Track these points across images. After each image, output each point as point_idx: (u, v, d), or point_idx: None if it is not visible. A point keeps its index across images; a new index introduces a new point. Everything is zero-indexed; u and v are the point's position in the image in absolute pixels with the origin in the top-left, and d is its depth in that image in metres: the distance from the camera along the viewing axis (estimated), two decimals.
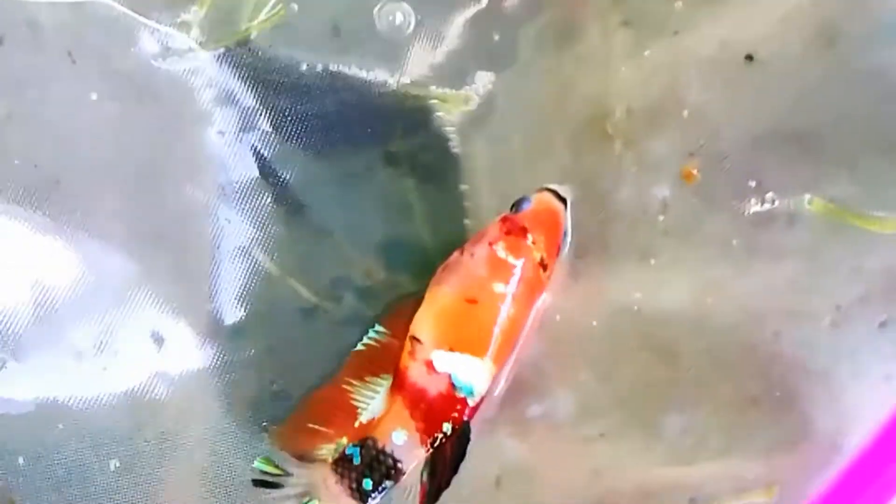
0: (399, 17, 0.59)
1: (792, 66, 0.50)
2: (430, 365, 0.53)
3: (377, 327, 0.57)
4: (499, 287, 0.53)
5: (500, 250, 0.54)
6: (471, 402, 0.54)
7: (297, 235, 0.60)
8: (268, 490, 0.54)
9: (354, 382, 0.55)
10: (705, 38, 0.52)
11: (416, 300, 0.55)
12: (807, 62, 0.49)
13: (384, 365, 0.55)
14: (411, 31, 0.59)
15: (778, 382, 0.45)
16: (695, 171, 0.54)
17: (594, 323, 0.56)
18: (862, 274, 0.44)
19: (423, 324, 0.54)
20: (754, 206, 0.51)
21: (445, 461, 0.53)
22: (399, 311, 0.56)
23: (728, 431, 0.47)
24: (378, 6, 0.59)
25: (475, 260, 0.54)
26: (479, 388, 0.54)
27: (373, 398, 0.54)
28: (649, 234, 0.55)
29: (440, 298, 0.54)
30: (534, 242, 0.54)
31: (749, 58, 0.51)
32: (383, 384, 0.55)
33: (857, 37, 0.47)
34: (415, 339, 0.54)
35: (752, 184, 0.51)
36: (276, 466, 0.54)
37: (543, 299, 0.56)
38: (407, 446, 0.53)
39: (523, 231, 0.54)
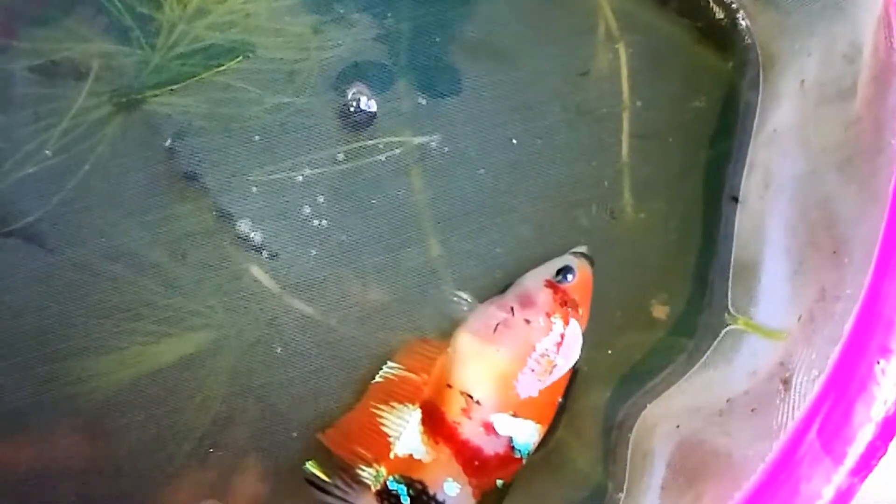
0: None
1: None
2: (489, 427, 0.54)
3: (391, 363, 0.58)
4: (559, 360, 0.55)
5: (559, 324, 0.56)
6: (524, 461, 0.55)
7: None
8: (317, 492, 0.55)
9: (382, 407, 0.56)
10: None
11: (427, 340, 0.58)
12: None
13: (406, 396, 0.56)
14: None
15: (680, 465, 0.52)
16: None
17: None
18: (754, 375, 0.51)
19: (479, 383, 0.55)
20: None
21: None
22: (414, 347, 0.58)
23: None
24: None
25: (534, 330, 0.55)
26: (533, 447, 0.55)
27: (402, 426, 0.55)
28: None
29: (499, 362, 0.55)
30: (583, 315, 0.57)
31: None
32: (410, 413, 0.55)
33: None
34: (469, 396, 0.54)
35: None
36: (326, 474, 0.55)
37: None
38: (460, 497, 0.54)
39: (575, 305, 0.56)
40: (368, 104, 0.62)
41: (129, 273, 0.60)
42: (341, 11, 0.63)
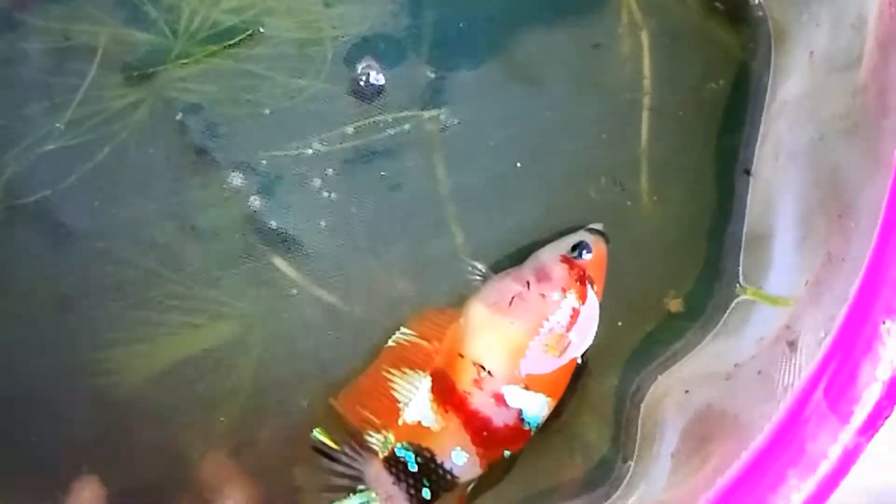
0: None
1: None
2: (499, 398, 0.55)
3: (403, 329, 0.59)
4: (573, 336, 0.56)
5: (574, 299, 0.56)
6: (532, 432, 0.56)
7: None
8: (324, 460, 0.55)
9: (393, 372, 0.57)
10: None
11: (441, 309, 0.59)
12: None
13: (417, 362, 0.57)
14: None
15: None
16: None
17: None
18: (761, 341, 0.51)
19: (492, 355, 0.55)
20: None
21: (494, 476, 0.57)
22: (427, 315, 0.59)
23: None
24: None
25: (549, 304, 0.56)
26: (542, 419, 0.56)
27: (412, 392, 0.56)
28: None
29: (513, 335, 0.55)
30: (597, 292, 0.57)
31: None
32: (420, 380, 0.56)
33: None
34: (481, 367, 0.55)
35: None
36: (334, 441, 0.56)
37: None
38: (467, 466, 0.55)
39: (590, 280, 0.57)
40: (377, 78, 0.62)
41: (141, 254, 0.61)
42: None
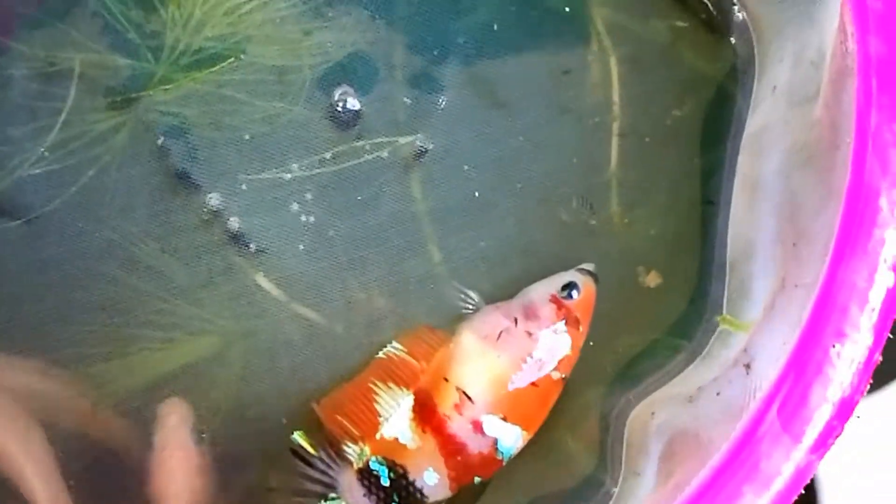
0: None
1: None
2: (477, 425, 0.56)
3: (395, 344, 0.60)
4: (555, 375, 0.58)
5: (563, 340, 0.58)
6: (504, 462, 0.57)
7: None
8: (300, 463, 0.57)
9: (379, 385, 0.58)
10: None
11: (433, 330, 0.60)
12: None
13: (403, 379, 0.58)
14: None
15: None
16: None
17: None
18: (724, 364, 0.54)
19: (475, 383, 0.57)
20: None
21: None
22: (419, 334, 0.60)
23: None
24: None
25: (535, 343, 0.58)
26: (515, 452, 0.58)
27: (393, 408, 0.57)
28: None
29: (498, 368, 0.57)
30: (582, 330, 0.59)
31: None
32: (403, 397, 0.57)
33: None
34: (463, 393, 0.56)
35: None
36: (312, 447, 0.57)
37: None
38: (437, 487, 0.56)
39: (577, 322, 0.58)
40: (354, 104, 0.63)
41: (124, 274, 0.62)
42: (331, 15, 0.65)
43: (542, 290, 0.60)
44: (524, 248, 0.64)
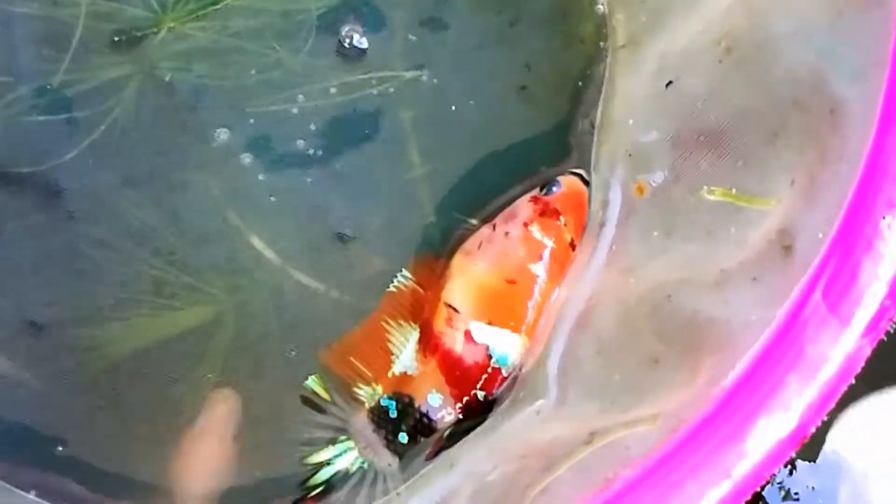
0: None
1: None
2: (468, 335, 0.56)
3: (404, 272, 0.59)
4: (535, 268, 0.57)
5: (536, 231, 0.57)
6: (504, 373, 0.56)
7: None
8: (311, 411, 0.57)
9: (391, 322, 0.58)
10: None
11: (438, 256, 0.60)
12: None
13: (413, 311, 0.58)
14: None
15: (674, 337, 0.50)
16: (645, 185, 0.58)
17: None
18: (745, 244, 0.48)
19: (460, 294, 0.57)
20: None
21: (469, 423, 0.56)
22: (425, 261, 0.60)
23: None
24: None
25: (511, 240, 0.57)
26: (513, 361, 0.56)
27: (404, 345, 0.57)
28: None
29: (477, 274, 0.57)
30: (565, 224, 0.57)
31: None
32: (412, 333, 0.57)
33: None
34: (451, 307, 0.56)
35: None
36: (326, 391, 0.57)
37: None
38: (441, 408, 0.56)
39: (556, 213, 0.58)
40: (360, 41, 0.63)
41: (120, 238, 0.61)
42: None
43: (524, 195, 0.59)
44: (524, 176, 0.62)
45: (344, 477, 0.56)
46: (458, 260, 0.58)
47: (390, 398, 0.56)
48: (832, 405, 0.41)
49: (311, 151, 0.62)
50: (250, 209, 0.62)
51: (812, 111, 0.47)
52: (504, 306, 0.56)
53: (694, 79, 0.56)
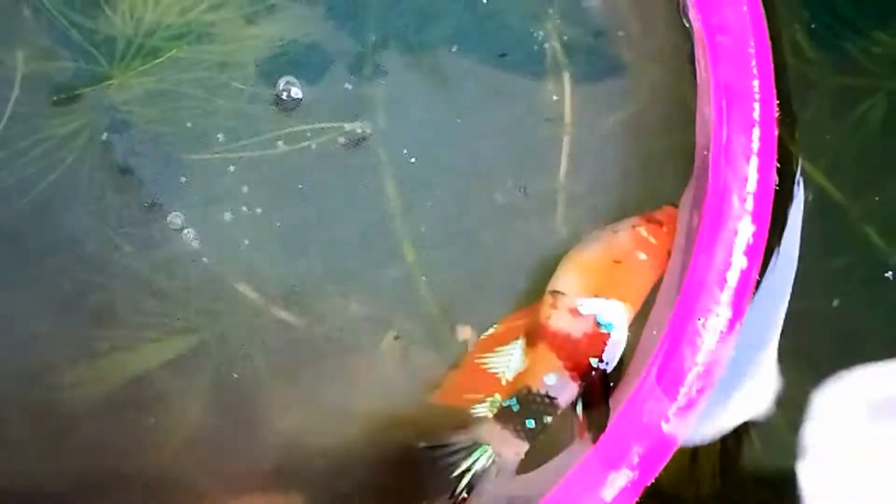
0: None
1: None
2: (574, 311, 0.59)
3: (495, 325, 0.63)
4: (640, 255, 0.61)
5: (643, 231, 0.61)
6: (612, 337, 0.59)
7: None
8: (437, 450, 0.59)
9: (486, 356, 0.61)
10: None
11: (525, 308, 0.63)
12: None
13: (509, 340, 0.61)
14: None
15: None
16: None
17: None
18: None
19: (566, 279, 0.61)
20: None
21: (597, 393, 0.59)
22: (515, 314, 0.63)
23: None
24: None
25: (619, 235, 0.61)
26: (620, 327, 0.60)
27: (509, 360, 0.60)
28: None
29: (585, 259, 0.61)
30: (667, 231, 0.62)
31: None
32: (516, 346, 0.60)
33: None
34: (556, 292, 0.60)
35: None
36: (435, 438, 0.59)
37: None
38: (559, 384, 0.58)
39: (660, 223, 0.62)
40: (296, 93, 0.65)
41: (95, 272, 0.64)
42: (275, 6, 0.67)
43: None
44: (463, 230, 0.66)
45: (483, 473, 0.58)
46: (565, 259, 0.62)
47: (510, 398, 0.59)
48: (667, 461, 0.55)
49: (244, 208, 0.64)
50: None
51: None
52: (610, 280, 0.60)
53: None
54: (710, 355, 0.55)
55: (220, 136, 0.66)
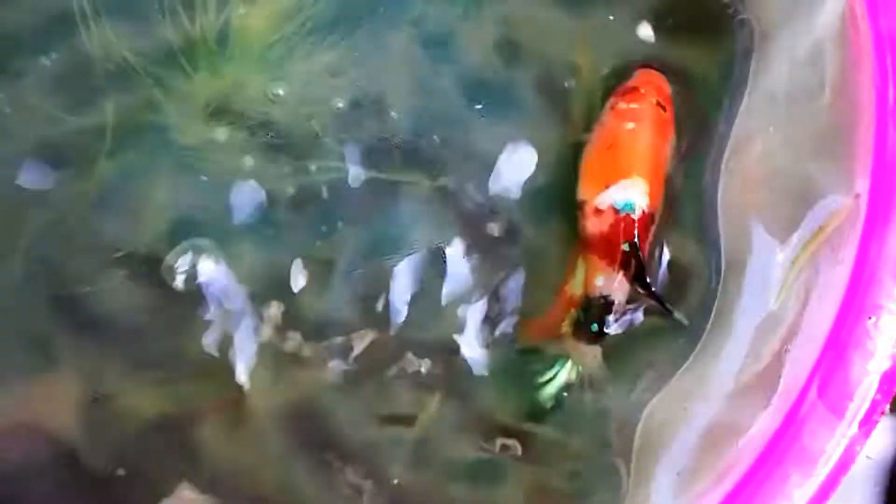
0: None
1: None
2: (596, 211, 0.59)
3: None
4: (628, 125, 0.60)
5: (620, 104, 0.61)
6: (635, 216, 0.58)
7: None
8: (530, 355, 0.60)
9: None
10: None
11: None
12: None
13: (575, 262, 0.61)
14: None
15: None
16: None
17: None
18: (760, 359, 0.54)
19: (581, 188, 0.60)
20: None
21: (639, 265, 0.58)
22: None
23: None
24: None
25: (603, 123, 0.61)
26: (638, 202, 0.59)
27: (575, 279, 0.60)
28: None
29: (585, 162, 0.61)
30: (645, 91, 0.61)
31: None
32: (577, 264, 0.60)
33: None
34: (580, 202, 0.60)
35: None
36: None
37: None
38: (607, 281, 0.59)
39: (636, 89, 0.61)
40: None
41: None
42: None
43: None
44: None
45: (568, 388, 0.59)
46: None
47: (576, 311, 0.60)
48: (832, 495, 0.45)
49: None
50: None
51: (806, 235, 0.51)
52: (611, 166, 0.60)
53: None
54: (885, 361, 0.45)
55: None
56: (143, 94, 0.61)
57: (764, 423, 0.47)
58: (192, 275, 0.60)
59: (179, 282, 0.59)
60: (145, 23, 0.62)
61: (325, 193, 0.61)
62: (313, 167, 0.61)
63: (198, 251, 0.60)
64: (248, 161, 0.61)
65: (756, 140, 0.59)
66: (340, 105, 0.62)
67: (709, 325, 0.59)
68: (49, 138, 0.61)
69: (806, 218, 0.52)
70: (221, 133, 0.61)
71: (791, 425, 0.46)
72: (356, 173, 0.62)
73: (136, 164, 0.61)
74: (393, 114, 0.63)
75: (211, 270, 0.60)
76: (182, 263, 0.60)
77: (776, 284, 0.53)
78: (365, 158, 0.62)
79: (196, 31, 0.62)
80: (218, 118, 0.61)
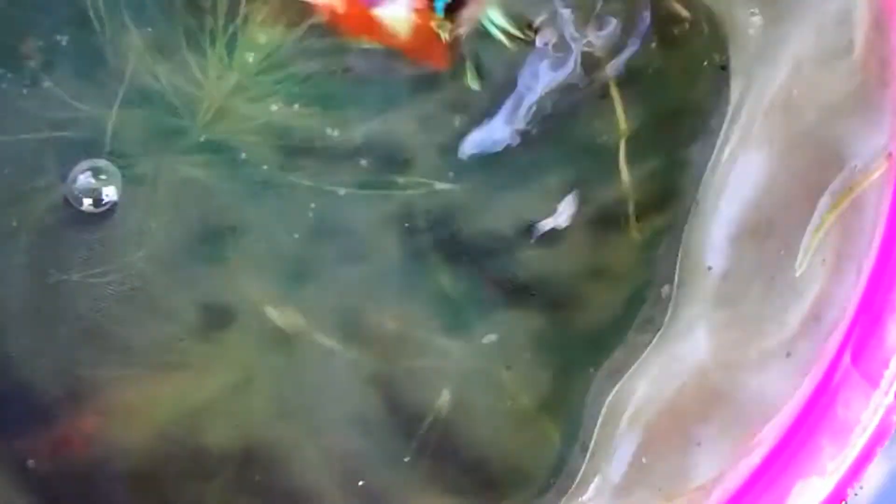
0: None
1: None
2: None
3: None
4: None
5: None
6: None
7: None
8: None
9: None
10: None
11: None
12: None
13: None
14: None
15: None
16: None
17: None
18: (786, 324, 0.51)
19: None
20: None
21: None
22: None
23: None
24: None
25: None
26: None
27: None
28: None
29: None
30: None
31: None
32: None
33: None
34: None
35: None
36: None
37: None
38: None
39: None
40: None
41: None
42: None
43: None
44: None
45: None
46: None
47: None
48: (867, 467, 0.43)
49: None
50: None
51: (834, 195, 0.49)
52: None
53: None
54: None
55: None
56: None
57: (794, 393, 0.45)
58: None
59: None
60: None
61: None
62: None
63: None
64: None
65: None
66: None
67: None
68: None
69: (835, 181, 0.50)
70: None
71: (823, 394, 0.44)
72: None
73: None
74: None
75: None
76: None
77: (802, 250, 0.51)
78: None
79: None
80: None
